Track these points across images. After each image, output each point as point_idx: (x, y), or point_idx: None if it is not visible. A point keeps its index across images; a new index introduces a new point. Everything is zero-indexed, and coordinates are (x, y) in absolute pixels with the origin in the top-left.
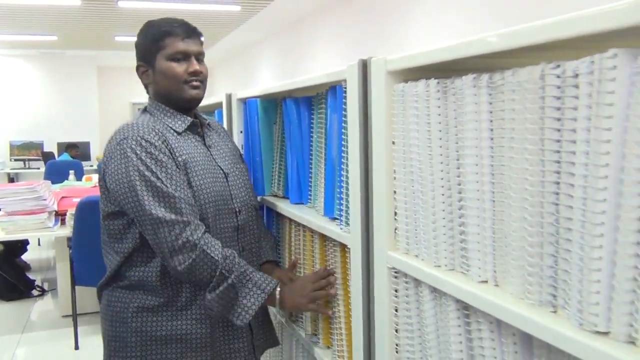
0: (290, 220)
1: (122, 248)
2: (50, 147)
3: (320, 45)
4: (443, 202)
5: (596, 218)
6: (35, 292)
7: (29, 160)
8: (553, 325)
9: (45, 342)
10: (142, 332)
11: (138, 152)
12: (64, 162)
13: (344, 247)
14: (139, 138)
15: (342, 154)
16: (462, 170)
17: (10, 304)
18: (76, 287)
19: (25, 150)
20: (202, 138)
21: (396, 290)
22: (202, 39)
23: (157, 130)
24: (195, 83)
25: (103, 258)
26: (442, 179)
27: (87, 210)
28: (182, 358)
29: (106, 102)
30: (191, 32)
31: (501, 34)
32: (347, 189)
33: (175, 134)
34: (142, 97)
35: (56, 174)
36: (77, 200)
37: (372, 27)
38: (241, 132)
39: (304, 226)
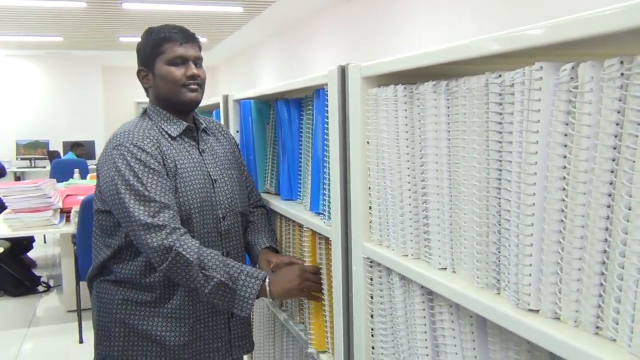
0: (281, 215)
1: (111, 243)
2: (56, 146)
3: (322, 45)
4: (409, 197)
5: (527, 210)
6: (40, 288)
7: (35, 159)
8: (496, 305)
9: (50, 336)
10: (126, 324)
11: (128, 159)
12: (69, 160)
13: (328, 240)
14: (131, 145)
15: (325, 153)
16: (425, 167)
17: (17, 300)
18: (81, 283)
19: (31, 149)
20: (196, 142)
21: (371, 279)
22: (201, 44)
23: (151, 137)
24: (193, 86)
25: (92, 249)
26: (408, 175)
27: (90, 207)
28: (161, 354)
29: (111, 101)
30: (189, 38)
31: (453, 47)
32: (330, 184)
33: (169, 138)
34: (146, 97)
35: (61, 172)
36: (81, 198)
37: (374, 28)
38: (237, 131)
39: (293, 221)
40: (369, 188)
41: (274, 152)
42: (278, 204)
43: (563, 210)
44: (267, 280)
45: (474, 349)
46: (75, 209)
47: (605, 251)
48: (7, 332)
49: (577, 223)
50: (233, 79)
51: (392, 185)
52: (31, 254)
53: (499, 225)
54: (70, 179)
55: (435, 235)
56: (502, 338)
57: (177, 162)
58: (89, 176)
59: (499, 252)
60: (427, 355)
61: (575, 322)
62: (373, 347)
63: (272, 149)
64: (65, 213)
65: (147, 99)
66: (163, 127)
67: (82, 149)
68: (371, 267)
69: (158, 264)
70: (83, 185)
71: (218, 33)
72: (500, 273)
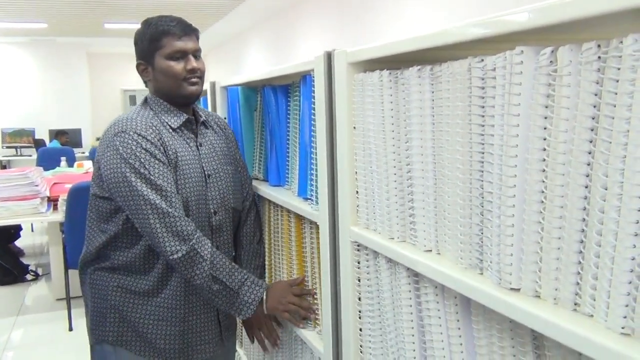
0: (269, 201)
1: (108, 229)
2: (42, 134)
3: (309, 31)
4: (395, 181)
5: (509, 191)
6: (29, 277)
7: (21, 147)
8: (479, 285)
9: (39, 324)
10: (121, 311)
11: (133, 147)
12: (55, 149)
13: (316, 225)
14: (135, 134)
15: (312, 139)
16: (410, 152)
17: (5, 288)
18: (69, 271)
19: (17, 138)
20: (195, 135)
21: (358, 262)
22: (199, 34)
23: (153, 127)
24: (193, 80)
25: (86, 233)
26: (394, 160)
27: (78, 195)
28: (153, 343)
29: (97, 88)
30: (187, 30)
31: (437, 33)
32: (317, 169)
33: (170, 129)
34: (133, 84)
35: (48, 160)
36: (69, 186)
37: (362, 14)
38: (225, 118)
39: (281, 207)
40: (356, 173)
41: (262, 139)
42: (266, 190)
43: (543, 192)
44: (265, 292)
45: (459, 328)
46: (63, 197)
47: (583, 230)
48: None
49: (557, 203)
50: (220, 66)
51: (378, 170)
52: (18, 243)
53: (482, 207)
54: (57, 167)
55: (420, 218)
56: (486, 317)
57: (177, 154)
58: (76, 164)
59: (482, 234)
60: (413, 335)
61: (555, 299)
62: (360, 329)
63: (260, 135)
64: (52, 201)
65: (134, 87)
66: (164, 118)
67: (66, 137)
68: (358, 250)
69: (170, 254)
70: (70, 174)
71: (205, 20)
72: (483, 254)
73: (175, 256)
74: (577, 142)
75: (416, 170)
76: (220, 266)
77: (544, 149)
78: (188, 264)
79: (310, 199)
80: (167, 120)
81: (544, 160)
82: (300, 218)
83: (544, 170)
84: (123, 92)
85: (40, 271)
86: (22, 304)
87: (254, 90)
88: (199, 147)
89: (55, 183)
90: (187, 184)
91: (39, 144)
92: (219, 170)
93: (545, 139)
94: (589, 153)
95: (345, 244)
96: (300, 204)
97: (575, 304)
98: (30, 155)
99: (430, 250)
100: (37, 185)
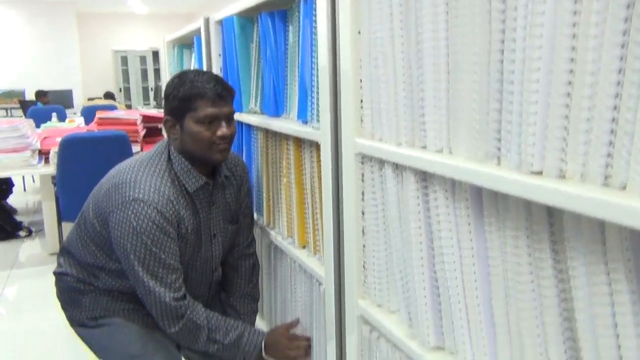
0: (267, 131)
1: (111, 254)
2: (33, 95)
3: None
4: (404, 82)
5: (533, 63)
6: (22, 233)
7: (11, 108)
8: (497, 172)
9: (33, 279)
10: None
11: (149, 224)
12: (46, 108)
13: (317, 148)
14: (154, 210)
15: (314, 55)
16: (420, 46)
17: None
18: (62, 225)
19: (6, 99)
20: (209, 195)
21: (362, 175)
22: (234, 94)
23: (171, 200)
24: (222, 146)
25: (77, 247)
26: (402, 59)
27: (70, 147)
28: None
29: (87, 49)
30: (224, 93)
31: None
32: (318, 86)
33: (185, 193)
34: (123, 44)
35: (39, 120)
36: (59, 139)
37: None
38: (219, 54)
39: (279, 135)
40: (360, 81)
41: (258, 71)
42: (264, 120)
43: (572, 60)
44: (263, 340)
45: (470, 232)
46: (54, 149)
47: (617, 95)
48: None
49: (588, 68)
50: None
51: (385, 72)
52: (11, 202)
53: (501, 90)
54: (48, 122)
55: (431, 117)
56: (499, 218)
57: (187, 225)
58: (67, 120)
59: (500, 118)
60: (421, 243)
61: (582, 176)
62: (364, 246)
63: (256, 67)
64: (44, 154)
65: (124, 48)
66: (182, 179)
67: (46, 98)
68: (362, 163)
69: (167, 327)
70: (61, 128)
71: None
72: (501, 140)
73: (173, 330)
74: (613, 3)
75: (428, 65)
76: (216, 328)
77: (574, 13)
78: (187, 334)
79: (310, 121)
80: (184, 183)
81: (574, 25)
82: (299, 144)
83: (573, 36)
84: (114, 53)
85: (33, 229)
86: (16, 260)
87: (250, 20)
88: (211, 207)
89: (46, 137)
90: (194, 249)
91: (25, 105)
92: (223, 229)
93: (575, 2)
94: (627, 7)
95: (348, 158)
96: (300, 126)
97: (606, 178)
98: (20, 117)
99: (442, 151)
100: (27, 138)
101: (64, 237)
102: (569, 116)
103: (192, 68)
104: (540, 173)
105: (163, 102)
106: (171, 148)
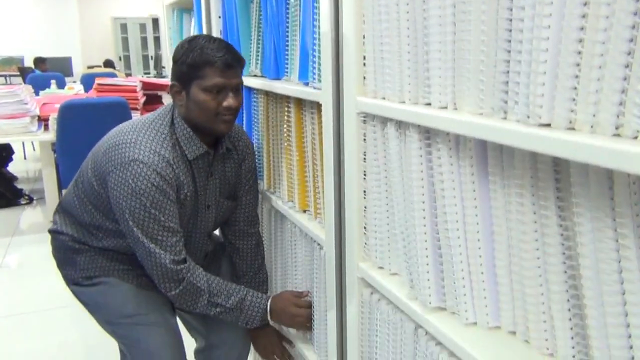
0: (267, 94)
1: (108, 214)
2: (31, 62)
3: None
4: (408, 37)
5: (544, 9)
6: (23, 201)
7: (10, 75)
8: (503, 125)
9: (34, 245)
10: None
11: (148, 186)
12: (45, 75)
13: (318, 110)
14: (154, 172)
15: (315, 11)
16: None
17: None
18: (63, 192)
19: (5, 66)
20: (208, 165)
21: (364, 135)
22: (244, 63)
23: (171, 163)
24: (226, 117)
25: (74, 205)
26: (407, 12)
27: (70, 113)
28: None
29: (86, 16)
30: (234, 63)
31: None
32: (319, 45)
33: (185, 159)
34: (123, 11)
35: (38, 88)
36: (59, 106)
37: None
38: (219, 17)
39: (280, 97)
40: (363, 37)
41: (259, 32)
42: (265, 83)
43: (585, 4)
44: (269, 301)
45: (474, 190)
46: (54, 116)
47: (631, 39)
48: None
49: (602, 12)
50: None
51: (389, 27)
52: (11, 170)
53: (510, 36)
54: (47, 89)
55: (435, 72)
56: (504, 175)
57: (187, 191)
58: (66, 87)
59: (509, 68)
60: (424, 202)
61: (592, 127)
62: (365, 208)
63: (256, 29)
64: (43, 121)
65: (124, 15)
66: (183, 146)
67: (45, 65)
68: (364, 122)
69: (167, 290)
70: (60, 95)
71: None
72: (508, 92)
73: (173, 292)
74: None
75: (433, 17)
76: (218, 292)
77: None
78: (187, 297)
79: (311, 82)
80: (185, 149)
81: None
82: (300, 106)
83: None
84: (113, 20)
85: (34, 197)
86: (17, 227)
87: None
88: (209, 177)
89: (45, 103)
90: (191, 217)
91: (25, 72)
92: (218, 202)
93: None
94: None
95: (350, 118)
96: (301, 87)
97: (617, 128)
98: (19, 84)
99: (446, 107)
100: (26, 104)
101: None
102: (580, 64)
103: (192, 32)
104: (548, 125)
105: (172, 66)
106: (175, 112)
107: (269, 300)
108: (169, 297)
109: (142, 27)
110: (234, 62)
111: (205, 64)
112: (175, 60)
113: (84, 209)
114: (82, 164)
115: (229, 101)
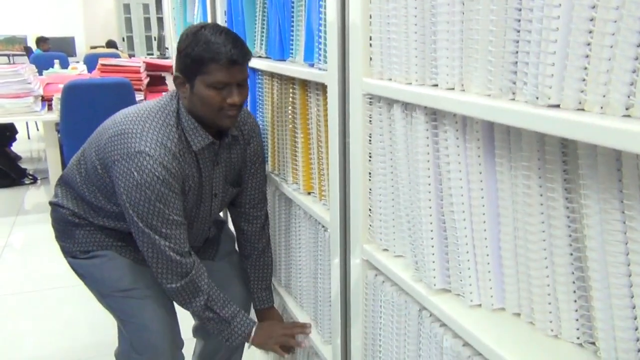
0: (272, 76)
1: (111, 197)
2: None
3: None
4: (415, 16)
5: None
6: (27, 180)
7: (13, 55)
8: (511, 106)
9: (38, 224)
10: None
11: (154, 179)
12: (48, 55)
13: (324, 92)
14: (159, 166)
15: None
16: None
17: (3, 191)
18: None
19: (8, 45)
20: (214, 154)
21: (370, 116)
22: (251, 57)
23: (177, 156)
24: (230, 113)
25: (76, 181)
26: None
27: (73, 93)
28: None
29: None
30: (239, 58)
31: None
32: (325, 25)
33: (190, 150)
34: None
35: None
36: (62, 86)
37: None
38: None
39: (285, 78)
40: (370, 17)
41: (264, 14)
42: (270, 64)
43: None
44: (254, 327)
45: (480, 172)
46: (57, 96)
47: None
48: None
49: None
50: None
51: (396, 6)
52: (16, 150)
53: (520, 16)
54: (50, 69)
55: (443, 53)
56: (511, 157)
57: (191, 182)
58: (70, 67)
59: (518, 48)
60: (429, 184)
61: (602, 107)
62: (370, 190)
63: (261, 10)
64: (46, 101)
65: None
66: (188, 137)
67: (47, 44)
68: (370, 104)
69: (166, 283)
70: (64, 74)
71: None
72: (517, 73)
73: (173, 285)
74: None
75: None
76: (215, 297)
77: None
78: (185, 294)
79: (317, 63)
80: (190, 140)
81: None
82: (305, 88)
83: None
84: (116, 0)
85: (38, 176)
86: (21, 207)
87: None
88: (215, 166)
89: (48, 83)
90: (194, 206)
91: (27, 51)
92: (225, 190)
93: None
94: None
95: (356, 99)
96: (306, 68)
97: (627, 108)
98: (23, 63)
99: (453, 88)
100: (29, 83)
101: None
102: (591, 43)
103: (195, 12)
104: (557, 106)
105: (176, 55)
106: (181, 102)
107: (255, 327)
108: (166, 290)
109: (145, 7)
110: (239, 58)
111: (210, 60)
112: (179, 51)
113: (86, 188)
114: (85, 142)
115: (234, 98)
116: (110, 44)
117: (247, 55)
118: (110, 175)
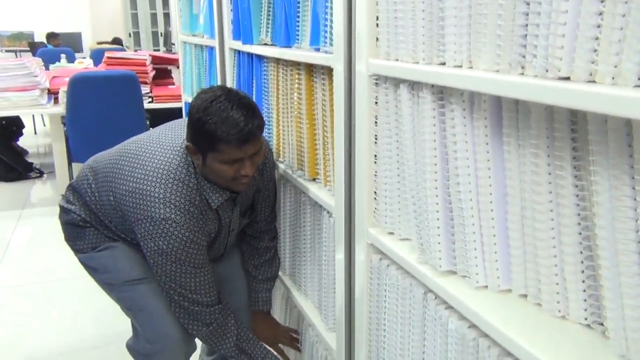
0: (278, 62)
1: (128, 232)
2: (42, 37)
3: None
4: None
5: None
6: (33, 174)
7: (20, 51)
8: (521, 79)
9: (44, 218)
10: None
11: (181, 245)
12: (55, 50)
13: (330, 76)
14: (187, 232)
15: None
16: None
17: (9, 184)
18: (73, 164)
19: (15, 41)
20: (233, 203)
21: (376, 98)
22: (263, 128)
23: (199, 217)
24: (244, 180)
25: (90, 196)
26: None
27: (80, 85)
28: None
29: None
30: (249, 138)
31: None
32: (332, 7)
33: (209, 207)
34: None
35: (48, 62)
36: (68, 79)
37: None
38: None
39: (290, 64)
40: (377, 2)
41: (270, 1)
42: (275, 50)
43: None
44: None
45: (487, 152)
46: (63, 89)
47: None
48: (0, 213)
49: None
50: None
51: None
52: (22, 144)
53: None
54: (57, 63)
55: (451, 30)
56: (519, 135)
57: (211, 234)
58: (76, 61)
59: (528, 21)
60: (436, 165)
61: (613, 78)
62: (376, 173)
63: None
64: (53, 94)
65: None
66: (206, 195)
67: (57, 39)
68: (377, 85)
69: (194, 330)
70: (70, 68)
71: None
72: (526, 46)
73: (199, 332)
74: None
75: None
76: (244, 337)
77: None
78: (214, 337)
79: (322, 48)
80: (209, 199)
81: None
82: (311, 72)
83: None
84: None
85: (44, 170)
86: (27, 200)
87: None
88: (233, 209)
89: (55, 76)
90: (210, 244)
91: (34, 47)
92: (241, 222)
93: None
94: None
95: (362, 80)
96: (312, 52)
97: (639, 79)
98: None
99: (461, 66)
100: (36, 76)
101: (74, 178)
102: (603, 13)
103: (201, 3)
104: (567, 79)
105: (187, 123)
106: (198, 169)
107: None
108: (198, 337)
109: (152, 2)
110: (250, 136)
111: (222, 140)
112: (190, 118)
113: (97, 209)
114: (92, 147)
115: (247, 170)
116: (116, 41)
117: (259, 128)
118: (130, 221)
